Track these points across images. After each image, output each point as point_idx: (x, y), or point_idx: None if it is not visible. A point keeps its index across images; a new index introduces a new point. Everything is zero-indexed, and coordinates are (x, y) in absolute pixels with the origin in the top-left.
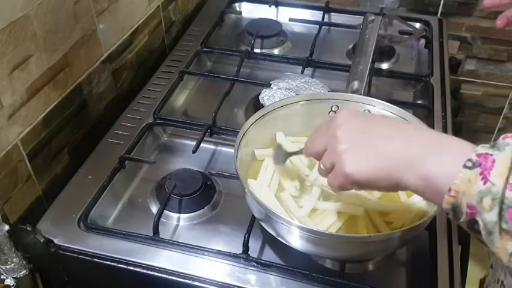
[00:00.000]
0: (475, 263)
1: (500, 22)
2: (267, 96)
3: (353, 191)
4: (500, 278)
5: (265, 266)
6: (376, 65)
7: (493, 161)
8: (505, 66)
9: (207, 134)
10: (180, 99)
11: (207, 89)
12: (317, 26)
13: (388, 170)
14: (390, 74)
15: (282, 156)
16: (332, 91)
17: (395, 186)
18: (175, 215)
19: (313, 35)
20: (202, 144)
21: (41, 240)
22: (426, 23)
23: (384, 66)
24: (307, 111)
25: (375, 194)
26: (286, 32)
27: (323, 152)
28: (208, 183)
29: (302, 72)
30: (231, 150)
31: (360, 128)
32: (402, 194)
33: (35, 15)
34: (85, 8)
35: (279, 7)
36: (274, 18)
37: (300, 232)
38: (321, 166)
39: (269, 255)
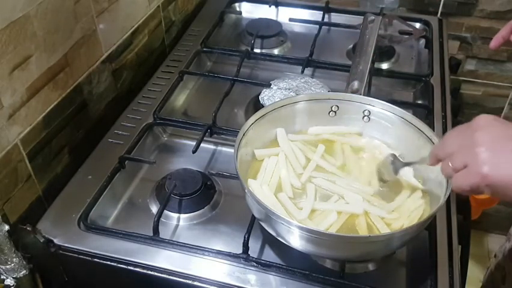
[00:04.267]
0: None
1: (493, 43)
2: (267, 96)
3: (353, 190)
4: None
5: (265, 266)
6: (376, 65)
7: None
8: (505, 66)
9: (207, 134)
10: (180, 99)
11: (207, 89)
12: (317, 26)
13: None
14: (390, 74)
15: (393, 167)
16: (332, 91)
17: None
18: (175, 215)
19: (313, 35)
20: (202, 144)
21: (41, 240)
22: (426, 23)
23: (384, 66)
24: (307, 111)
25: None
26: (286, 32)
27: (454, 152)
28: (208, 183)
29: (302, 72)
30: (231, 150)
31: (500, 133)
32: (401, 194)
33: (35, 15)
34: (85, 8)
35: (279, 7)
36: (274, 18)
37: (300, 232)
38: (450, 164)
39: (269, 255)
